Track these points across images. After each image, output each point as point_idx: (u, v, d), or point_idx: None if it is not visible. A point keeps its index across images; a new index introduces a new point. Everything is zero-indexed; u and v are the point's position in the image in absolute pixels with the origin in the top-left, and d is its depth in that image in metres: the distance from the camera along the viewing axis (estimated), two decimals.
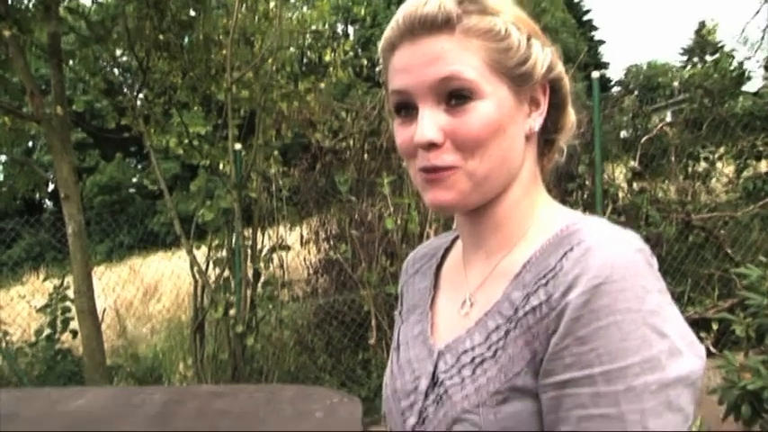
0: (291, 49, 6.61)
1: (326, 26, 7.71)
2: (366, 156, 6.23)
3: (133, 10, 5.54)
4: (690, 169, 6.58)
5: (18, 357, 6.09)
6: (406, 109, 0.82)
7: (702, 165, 6.64)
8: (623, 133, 6.68)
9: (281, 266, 5.56)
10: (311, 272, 6.31)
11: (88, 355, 5.28)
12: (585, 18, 40.60)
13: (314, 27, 6.98)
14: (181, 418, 1.03)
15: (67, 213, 5.26)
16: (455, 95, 0.79)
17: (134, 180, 26.80)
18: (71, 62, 6.18)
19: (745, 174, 6.52)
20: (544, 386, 0.71)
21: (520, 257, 0.82)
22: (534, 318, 0.74)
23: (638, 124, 6.53)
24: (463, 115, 0.78)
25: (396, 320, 1.04)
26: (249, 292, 5.20)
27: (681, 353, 0.69)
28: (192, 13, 5.87)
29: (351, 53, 6.80)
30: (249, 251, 5.32)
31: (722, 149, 6.66)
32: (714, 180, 6.79)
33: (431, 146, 0.79)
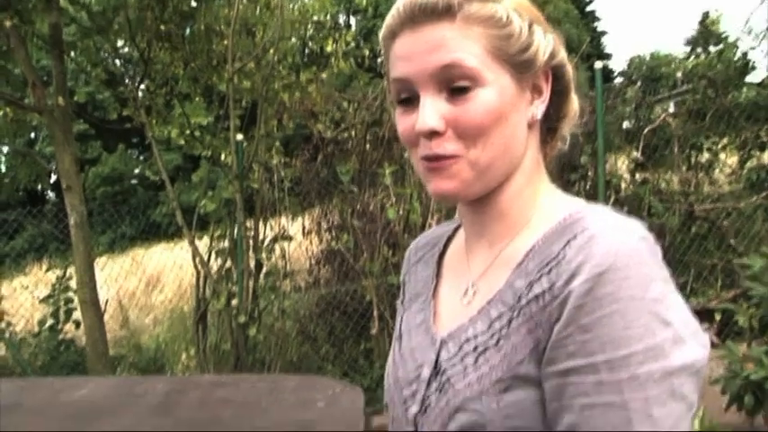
0: (293, 39, 6.59)
1: (328, 17, 7.67)
2: (368, 146, 6.23)
3: (134, 1, 5.52)
4: (693, 160, 6.57)
5: (21, 347, 6.13)
6: (408, 97, 0.82)
7: (705, 155, 6.62)
8: (626, 124, 6.66)
9: (283, 257, 5.56)
10: (313, 262, 6.32)
11: (91, 345, 5.30)
12: (588, 9, 40.42)
13: (315, 18, 6.95)
14: (183, 407, 1.03)
15: (69, 204, 5.26)
16: (456, 83, 0.78)
17: (136, 171, 26.80)
18: (72, 53, 6.17)
19: (748, 164, 6.50)
20: (547, 374, 0.71)
21: (523, 246, 0.81)
22: (537, 306, 0.73)
23: (641, 115, 6.51)
24: (465, 103, 0.78)
25: (398, 310, 1.04)
26: (251, 283, 5.21)
27: (685, 341, 0.69)
28: (194, 3, 5.85)
29: (353, 44, 6.77)
30: (251, 242, 5.32)
31: (725, 140, 6.65)
32: (717, 171, 6.77)
33: (432, 134, 0.79)
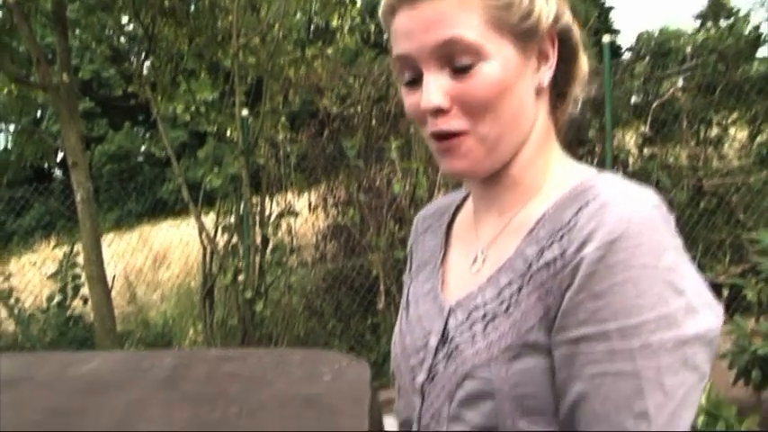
0: (298, 14, 6.52)
1: None
2: (374, 121, 6.19)
3: None
4: (702, 135, 6.50)
5: (30, 323, 6.18)
6: (412, 75, 0.80)
7: (715, 130, 6.55)
8: (634, 98, 6.60)
9: (290, 232, 5.57)
10: (319, 237, 6.33)
11: (99, 321, 5.32)
12: None
13: None
14: (190, 380, 1.03)
15: (76, 181, 5.26)
16: (458, 61, 0.76)
17: (142, 149, 26.80)
18: (77, 30, 6.13)
19: (758, 139, 6.43)
20: (557, 342, 0.70)
21: (534, 213, 0.80)
22: (548, 273, 0.72)
23: (650, 89, 6.44)
24: (468, 79, 0.76)
25: (404, 282, 1.03)
26: (258, 258, 5.22)
27: (698, 311, 0.68)
28: None
29: (358, 19, 6.70)
30: (257, 217, 5.32)
31: (735, 114, 6.57)
32: (726, 146, 6.71)
33: (438, 112, 0.77)
